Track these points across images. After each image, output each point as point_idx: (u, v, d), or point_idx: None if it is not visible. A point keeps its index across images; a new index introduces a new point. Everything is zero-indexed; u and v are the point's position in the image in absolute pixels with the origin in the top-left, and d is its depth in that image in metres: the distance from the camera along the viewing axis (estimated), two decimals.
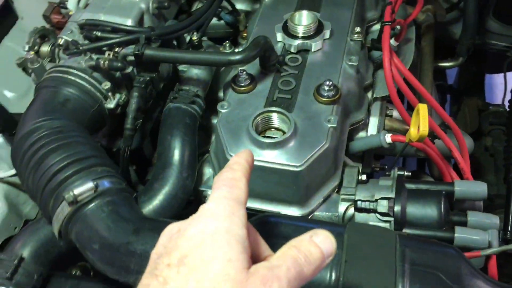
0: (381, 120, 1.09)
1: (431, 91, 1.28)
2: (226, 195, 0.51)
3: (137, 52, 0.88)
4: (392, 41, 1.17)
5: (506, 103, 1.72)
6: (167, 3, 1.05)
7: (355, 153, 1.05)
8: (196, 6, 1.32)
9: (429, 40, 1.37)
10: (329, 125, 0.88)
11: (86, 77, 0.92)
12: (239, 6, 1.42)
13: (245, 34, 1.28)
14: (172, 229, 0.51)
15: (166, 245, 0.49)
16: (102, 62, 0.90)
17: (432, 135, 1.00)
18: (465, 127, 1.60)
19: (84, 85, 0.92)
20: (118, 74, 0.95)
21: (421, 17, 1.39)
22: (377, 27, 1.29)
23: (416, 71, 1.33)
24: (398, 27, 1.15)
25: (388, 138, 0.98)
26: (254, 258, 0.51)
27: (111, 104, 0.94)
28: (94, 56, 0.94)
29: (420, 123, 0.82)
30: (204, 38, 1.16)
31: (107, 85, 0.93)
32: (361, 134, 1.08)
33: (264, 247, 0.55)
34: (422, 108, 0.83)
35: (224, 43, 1.11)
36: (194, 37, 1.00)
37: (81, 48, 0.93)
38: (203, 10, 1.08)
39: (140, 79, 0.92)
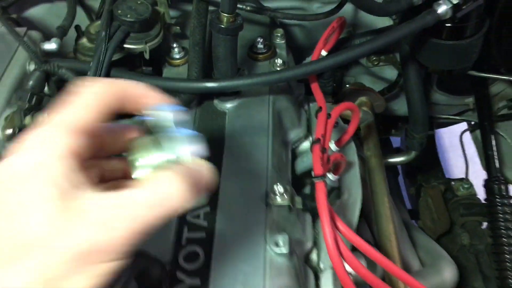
0: None
1: (392, 219, 0.97)
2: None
3: None
4: (331, 176, 0.85)
5: (470, 177, 1.47)
6: None
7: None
8: None
9: (373, 146, 1.06)
10: None
11: None
12: None
13: None
14: None
15: None
16: None
17: None
18: (434, 226, 1.30)
19: None
20: None
21: None
22: (306, 145, 0.97)
23: (367, 191, 1.01)
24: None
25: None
26: None
27: None
28: None
29: None
30: None
31: None
32: None
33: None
34: None
35: None
36: None
37: None
38: None
39: None
